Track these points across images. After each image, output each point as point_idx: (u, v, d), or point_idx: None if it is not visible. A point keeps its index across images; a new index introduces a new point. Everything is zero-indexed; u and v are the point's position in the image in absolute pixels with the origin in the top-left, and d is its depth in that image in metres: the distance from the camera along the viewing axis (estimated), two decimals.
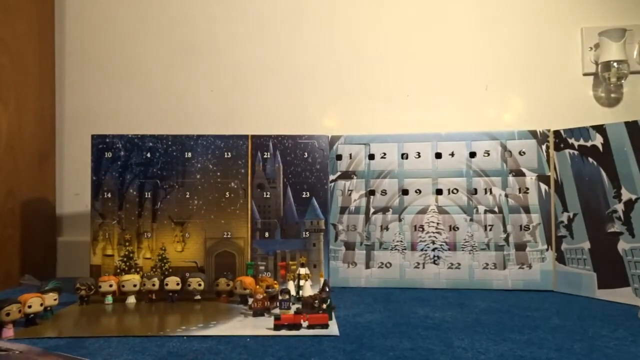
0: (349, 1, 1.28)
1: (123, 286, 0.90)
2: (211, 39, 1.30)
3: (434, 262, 1.04)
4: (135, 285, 0.90)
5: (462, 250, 1.03)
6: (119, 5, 1.32)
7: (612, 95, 1.20)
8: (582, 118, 1.16)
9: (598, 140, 0.95)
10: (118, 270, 0.97)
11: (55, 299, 0.79)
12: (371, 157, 1.08)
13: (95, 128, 1.16)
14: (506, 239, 1.03)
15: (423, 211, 1.05)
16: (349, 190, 1.07)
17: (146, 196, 1.00)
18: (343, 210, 1.07)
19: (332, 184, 1.07)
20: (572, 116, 1.18)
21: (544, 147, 1.03)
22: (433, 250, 1.04)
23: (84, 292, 0.88)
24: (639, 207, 0.88)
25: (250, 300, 0.82)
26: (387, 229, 1.05)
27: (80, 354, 0.59)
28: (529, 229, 1.02)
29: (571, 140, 0.99)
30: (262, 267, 1.00)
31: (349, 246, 1.06)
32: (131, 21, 1.31)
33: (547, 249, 1.01)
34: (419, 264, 1.04)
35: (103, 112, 1.30)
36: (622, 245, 0.89)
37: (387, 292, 0.99)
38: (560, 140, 1.01)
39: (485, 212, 1.04)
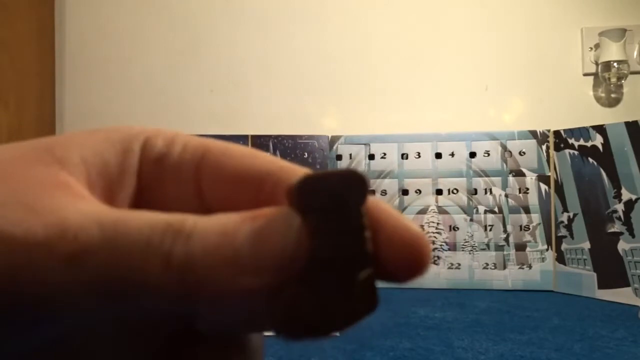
0: (349, 1, 1.28)
1: None
2: (211, 38, 1.30)
3: (434, 262, 1.04)
4: None
5: (462, 250, 1.03)
6: (119, 6, 1.32)
7: (612, 95, 1.20)
8: (582, 118, 1.16)
9: (598, 141, 0.95)
10: None
11: None
12: (371, 157, 1.08)
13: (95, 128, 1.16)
14: (506, 239, 1.03)
15: (423, 211, 1.05)
16: None
17: None
18: None
19: None
20: (572, 116, 1.18)
21: (544, 147, 1.03)
22: (433, 250, 1.04)
23: None
24: (639, 207, 0.88)
25: None
26: None
27: None
28: (529, 229, 1.02)
29: (571, 141, 0.99)
30: None
31: None
32: (131, 21, 1.31)
33: (547, 249, 1.01)
34: None
35: (103, 112, 1.30)
36: (622, 246, 0.89)
37: (387, 292, 0.99)
38: (560, 140, 1.01)
39: (485, 212, 1.04)
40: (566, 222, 0.98)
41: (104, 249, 0.12)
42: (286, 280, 0.12)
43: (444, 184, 1.05)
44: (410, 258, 0.13)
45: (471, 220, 1.04)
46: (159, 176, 0.16)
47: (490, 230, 1.03)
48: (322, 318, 0.12)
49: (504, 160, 1.04)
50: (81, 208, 0.13)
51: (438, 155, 1.06)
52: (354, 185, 0.13)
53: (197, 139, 0.16)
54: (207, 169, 0.16)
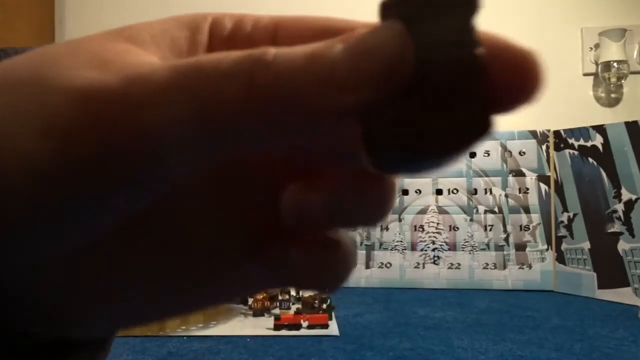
0: (349, 1, 1.28)
1: None
2: None
3: (434, 262, 1.04)
4: None
5: (462, 250, 1.03)
6: (119, 6, 1.32)
7: (612, 95, 1.20)
8: (582, 118, 1.16)
9: (598, 141, 0.95)
10: None
11: None
12: None
13: None
14: (506, 239, 1.03)
15: (423, 211, 1.05)
16: None
17: None
18: None
19: None
20: (572, 116, 1.18)
21: (544, 147, 1.03)
22: (433, 250, 1.04)
23: None
24: (639, 207, 0.88)
25: (250, 300, 0.82)
26: (387, 229, 1.05)
27: None
28: (529, 229, 1.02)
29: (571, 141, 0.99)
30: None
31: None
32: (131, 21, 1.31)
33: (547, 249, 1.01)
34: (419, 264, 1.04)
35: None
36: (622, 245, 0.89)
37: (387, 292, 0.99)
38: (560, 140, 1.01)
39: (485, 212, 1.04)
40: (566, 222, 0.98)
41: (175, 88, 0.12)
42: (387, 98, 0.11)
43: (444, 183, 1.05)
44: (524, 78, 0.12)
45: (471, 220, 1.04)
46: None
47: (490, 230, 1.03)
48: (428, 139, 0.11)
49: (504, 160, 1.04)
50: (152, 61, 0.13)
51: None
52: None
53: (268, 16, 0.16)
54: (283, 38, 0.15)
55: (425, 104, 0.11)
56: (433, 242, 1.04)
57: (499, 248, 1.03)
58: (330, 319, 0.73)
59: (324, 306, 0.76)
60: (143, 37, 0.15)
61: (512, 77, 0.12)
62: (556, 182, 1.01)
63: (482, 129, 0.11)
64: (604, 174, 0.93)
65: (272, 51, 0.12)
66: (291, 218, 0.14)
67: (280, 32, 0.16)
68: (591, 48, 1.19)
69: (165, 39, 0.15)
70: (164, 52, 0.14)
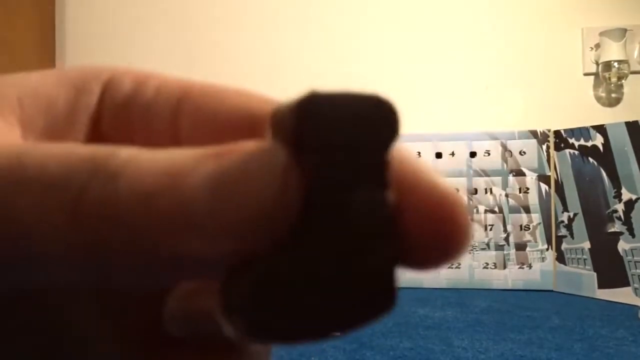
0: (349, 1, 1.28)
1: None
2: (212, 39, 1.30)
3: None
4: None
5: None
6: (120, 5, 1.32)
7: (613, 95, 1.20)
8: (583, 118, 1.16)
9: (598, 140, 0.95)
10: None
11: None
12: None
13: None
14: (506, 239, 1.03)
15: None
16: None
17: None
18: None
19: None
20: (572, 116, 1.18)
21: (544, 147, 1.03)
22: None
23: None
24: (639, 207, 0.88)
25: None
26: None
27: None
28: (529, 228, 1.02)
29: (571, 140, 0.99)
30: None
31: None
32: (132, 21, 1.31)
33: (547, 249, 1.01)
34: None
35: None
36: (622, 245, 0.89)
37: None
38: (561, 140, 1.01)
39: (486, 211, 1.04)
40: (566, 222, 0.98)
41: None
42: (258, 249, 0.08)
43: None
44: (440, 231, 0.09)
45: (471, 219, 1.04)
46: (126, 125, 0.13)
47: (491, 229, 1.03)
48: (309, 313, 0.08)
49: (504, 160, 1.04)
50: None
51: (438, 155, 1.06)
52: (380, 117, 0.09)
53: (177, 79, 0.13)
54: (186, 114, 0.13)
55: (309, 266, 0.08)
56: None
57: (499, 248, 1.03)
58: None
59: None
60: (7, 94, 0.11)
61: (429, 230, 0.10)
62: (556, 181, 1.01)
63: (381, 306, 0.09)
64: (604, 174, 0.93)
65: (121, 156, 0.09)
66: (176, 330, 0.11)
67: (185, 105, 0.13)
68: (592, 48, 1.19)
69: (38, 99, 0.12)
70: (29, 115, 0.11)
